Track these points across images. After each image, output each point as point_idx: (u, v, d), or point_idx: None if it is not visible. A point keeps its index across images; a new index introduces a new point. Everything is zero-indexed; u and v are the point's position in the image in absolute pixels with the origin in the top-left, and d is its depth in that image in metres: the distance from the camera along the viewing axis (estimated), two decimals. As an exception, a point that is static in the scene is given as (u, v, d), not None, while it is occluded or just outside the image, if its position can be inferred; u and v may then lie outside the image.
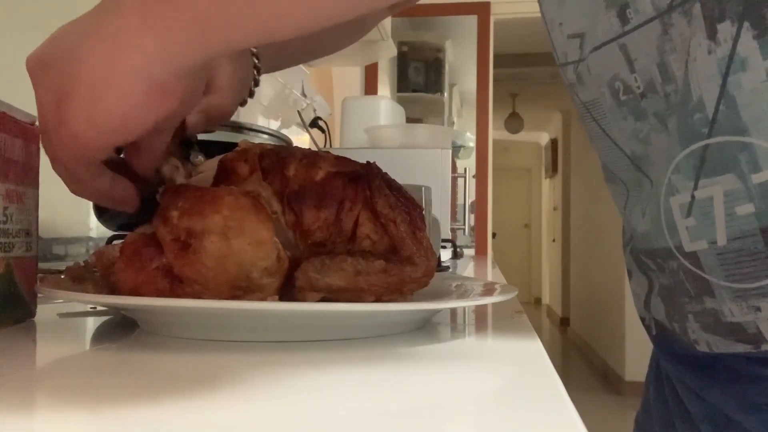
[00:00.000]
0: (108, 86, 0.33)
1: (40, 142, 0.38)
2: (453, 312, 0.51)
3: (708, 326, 0.44)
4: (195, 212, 0.35)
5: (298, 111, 1.68)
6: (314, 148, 0.63)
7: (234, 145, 0.42)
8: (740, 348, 0.43)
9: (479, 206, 2.62)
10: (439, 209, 1.67)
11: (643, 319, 0.55)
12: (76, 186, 0.38)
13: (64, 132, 0.34)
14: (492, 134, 2.97)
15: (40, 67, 0.35)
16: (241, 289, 0.35)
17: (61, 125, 0.34)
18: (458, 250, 1.82)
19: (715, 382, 0.46)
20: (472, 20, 3.33)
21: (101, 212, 0.45)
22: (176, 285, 0.35)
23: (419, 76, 3.74)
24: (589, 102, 0.50)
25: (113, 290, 0.38)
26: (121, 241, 0.39)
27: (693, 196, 0.42)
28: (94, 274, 0.43)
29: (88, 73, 0.33)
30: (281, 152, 0.41)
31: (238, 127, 0.81)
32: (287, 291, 0.38)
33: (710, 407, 0.47)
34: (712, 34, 0.39)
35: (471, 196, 2.49)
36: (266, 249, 0.35)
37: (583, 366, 4.78)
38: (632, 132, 0.47)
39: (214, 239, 0.34)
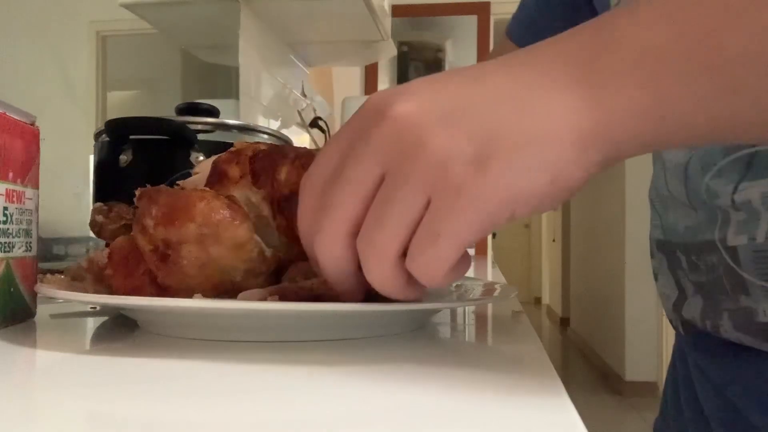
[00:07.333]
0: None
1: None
2: (453, 312, 0.51)
3: (740, 325, 0.44)
4: (168, 222, 0.34)
5: (298, 111, 1.67)
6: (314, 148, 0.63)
7: (232, 145, 0.42)
8: None
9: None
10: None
11: (670, 320, 0.55)
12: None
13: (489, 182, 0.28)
14: (492, 134, 2.97)
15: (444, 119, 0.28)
16: (228, 293, 0.35)
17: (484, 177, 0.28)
18: (458, 250, 1.81)
19: (738, 376, 0.46)
20: (472, 20, 3.33)
21: (93, 225, 0.45)
22: (163, 292, 0.35)
23: (419, 75, 3.71)
24: None
25: (112, 290, 0.38)
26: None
27: (733, 200, 0.43)
28: (94, 274, 0.43)
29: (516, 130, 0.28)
30: (274, 153, 0.40)
31: (238, 127, 0.81)
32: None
33: (726, 405, 0.47)
34: None
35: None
36: (246, 251, 0.35)
37: (583, 366, 4.77)
38: None
39: (191, 249, 0.34)
